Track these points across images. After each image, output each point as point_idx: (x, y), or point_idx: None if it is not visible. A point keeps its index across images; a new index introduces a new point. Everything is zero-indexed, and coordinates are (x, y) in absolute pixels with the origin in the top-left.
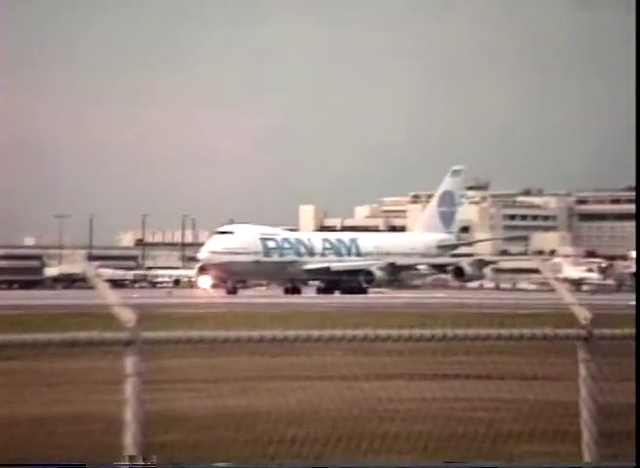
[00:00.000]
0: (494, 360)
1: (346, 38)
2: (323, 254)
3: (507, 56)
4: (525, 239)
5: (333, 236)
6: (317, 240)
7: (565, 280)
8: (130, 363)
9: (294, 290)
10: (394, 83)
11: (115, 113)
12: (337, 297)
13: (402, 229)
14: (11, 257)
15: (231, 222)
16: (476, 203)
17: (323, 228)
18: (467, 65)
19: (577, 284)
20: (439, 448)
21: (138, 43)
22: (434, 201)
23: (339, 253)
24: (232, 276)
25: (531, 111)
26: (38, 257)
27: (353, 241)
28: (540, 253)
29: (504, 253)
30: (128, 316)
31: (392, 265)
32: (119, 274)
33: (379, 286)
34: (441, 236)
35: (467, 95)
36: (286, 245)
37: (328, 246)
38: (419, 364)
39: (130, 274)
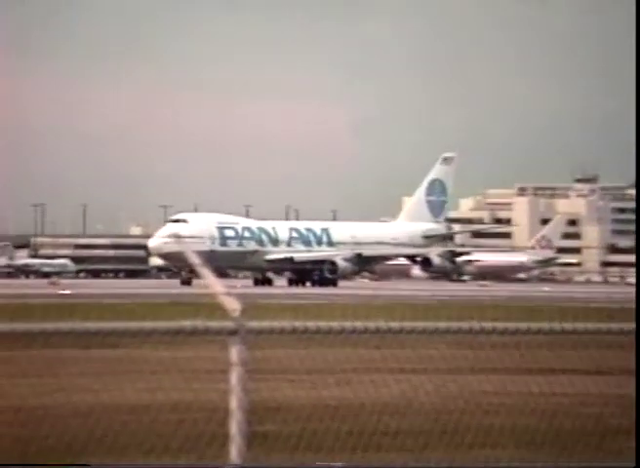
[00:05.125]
0: (602, 354)
1: (441, 27)
2: (289, 244)
3: (607, 38)
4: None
5: (302, 225)
6: (283, 229)
7: None
8: (234, 352)
9: (264, 281)
10: (494, 71)
11: (216, 104)
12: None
13: (507, 222)
14: (117, 247)
15: (196, 210)
16: (584, 196)
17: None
18: (575, 52)
19: None
20: (545, 443)
21: (242, 33)
22: (422, 189)
23: (307, 243)
24: (184, 266)
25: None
26: (144, 247)
27: (325, 230)
28: None
29: (613, 246)
30: (233, 305)
31: (359, 256)
32: None
33: (344, 277)
34: (427, 226)
35: (575, 83)
36: (246, 234)
37: (295, 235)
38: (524, 357)
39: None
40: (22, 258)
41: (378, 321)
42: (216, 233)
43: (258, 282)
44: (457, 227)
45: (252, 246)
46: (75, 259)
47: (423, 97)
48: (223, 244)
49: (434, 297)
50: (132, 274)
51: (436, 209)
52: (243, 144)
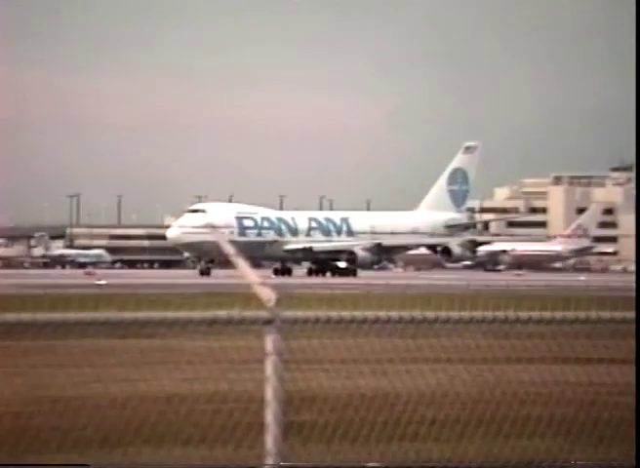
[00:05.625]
0: None
1: (479, 18)
2: (308, 234)
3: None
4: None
5: (321, 215)
6: (302, 219)
7: None
8: (270, 341)
9: (284, 270)
10: (528, 60)
11: (249, 96)
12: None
13: (543, 211)
14: (152, 237)
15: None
16: (620, 184)
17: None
18: (611, 39)
19: None
20: (583, 433)
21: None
22: (443, 179)
23: (326, 233)
24: (203, 256)
25: None
26: None
27: (344, 220)
28: None
29: None
30: (268, 295)
31: (379, 246)
32: None
33: (362, 267)
34: (449, 215)
35: (611, 71)
36: (265, 224)
37: (314, 225)
38: (561, 347)
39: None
40: (58, 249)
41: (413, 310)
42: (234, 223)
43: (277, 272)
44: (491, 216)
45: (271, 236)
46: (110, 250)
47: (453, 87)
48: (242, 234)
49: (469, 287)
50: (167, 264)
51: (458, 198)
52: (277, 136)
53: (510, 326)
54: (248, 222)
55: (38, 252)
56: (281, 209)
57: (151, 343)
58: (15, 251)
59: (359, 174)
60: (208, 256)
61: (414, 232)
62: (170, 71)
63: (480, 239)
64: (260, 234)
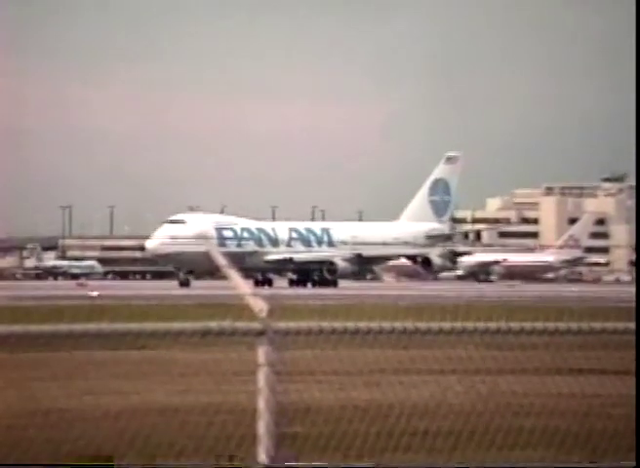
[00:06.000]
0: (632, 355)
1: (472, 24)
2: (289, 245)
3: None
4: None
5: (302, 225)
6: (283, 229)
7: None
8: (262, 353)
9: (264, 281)
10: (520, 71)
11: (241, 106)
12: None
13: (535, 221)
14: (144, 248)
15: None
16: (612, 195)
17: (452, 220)
18: (603, 49)
19: None
20: (577, 444)
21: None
22: (425, 189)
23: (307, 244)
24: (182, 267)
25: None
26: None
27: (325, 230)
28: None
29: None
30: (260, 306)
31: (359, 256)
32: None
33: (343, 277)
34: (430, 226)
35: (605, 82)
36: (245, 234)
37: (295, 236)
38: (554, 358)
39: None
40: (51, 260)
41: (405, 321)
42: (214, 234)
43: (258, 283)
44: (483, 227)
45: (251, 246)
46: (103, 261)
47: (445, 97)
48: (222, 245)
49: (460, 298)
50: (159, 275)
51: (440, 209)
52: (269, 146)
53: (503, 337)
54: (227, 233)
55: (30, 263)
56: (273, 219)
57: (143, 355)
58: (7, 262)
59: (352, 184)
60: (186, 267)
61: (395, 243)
62: (165, 81)
63: (460, 249)
64: (239, 245)
